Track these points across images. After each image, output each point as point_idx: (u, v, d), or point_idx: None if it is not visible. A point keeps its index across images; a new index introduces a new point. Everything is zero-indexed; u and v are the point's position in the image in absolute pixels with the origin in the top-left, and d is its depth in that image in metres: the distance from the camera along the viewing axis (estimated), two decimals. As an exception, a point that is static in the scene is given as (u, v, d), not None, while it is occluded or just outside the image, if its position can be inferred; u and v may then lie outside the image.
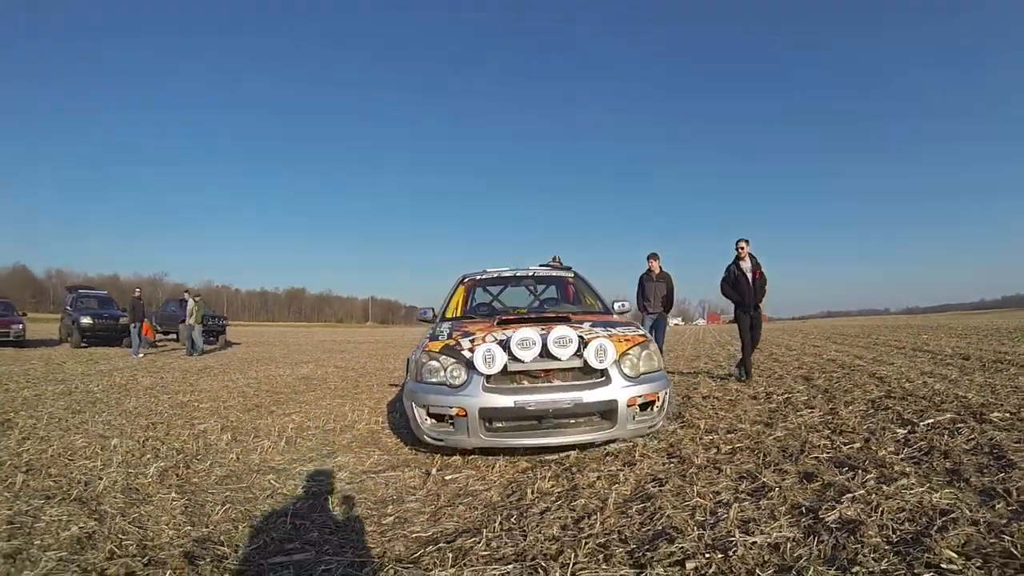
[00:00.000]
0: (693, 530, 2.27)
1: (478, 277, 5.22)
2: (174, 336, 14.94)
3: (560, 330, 3.38)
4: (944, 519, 2.10)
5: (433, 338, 3.75)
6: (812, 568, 1.85)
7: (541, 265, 5.67)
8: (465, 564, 2.15)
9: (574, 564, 2.05)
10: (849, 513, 2.27)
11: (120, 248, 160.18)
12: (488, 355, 3.28)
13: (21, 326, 13.04)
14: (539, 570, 2.05)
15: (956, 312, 32.98)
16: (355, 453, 3.99)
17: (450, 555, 2.24)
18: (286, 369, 10.75)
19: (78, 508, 2.69)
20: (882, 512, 2.24)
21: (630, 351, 3.53)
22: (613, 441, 3.68)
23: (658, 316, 7.43)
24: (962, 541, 1.93)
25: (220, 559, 2.26)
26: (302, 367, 11.26)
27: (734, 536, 2.15)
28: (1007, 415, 3.48)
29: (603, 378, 3.36)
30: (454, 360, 3.42)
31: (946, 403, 4.04)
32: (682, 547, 2.11)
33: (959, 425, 3.40)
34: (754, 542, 2.09)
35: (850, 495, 2.46)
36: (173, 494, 2.96)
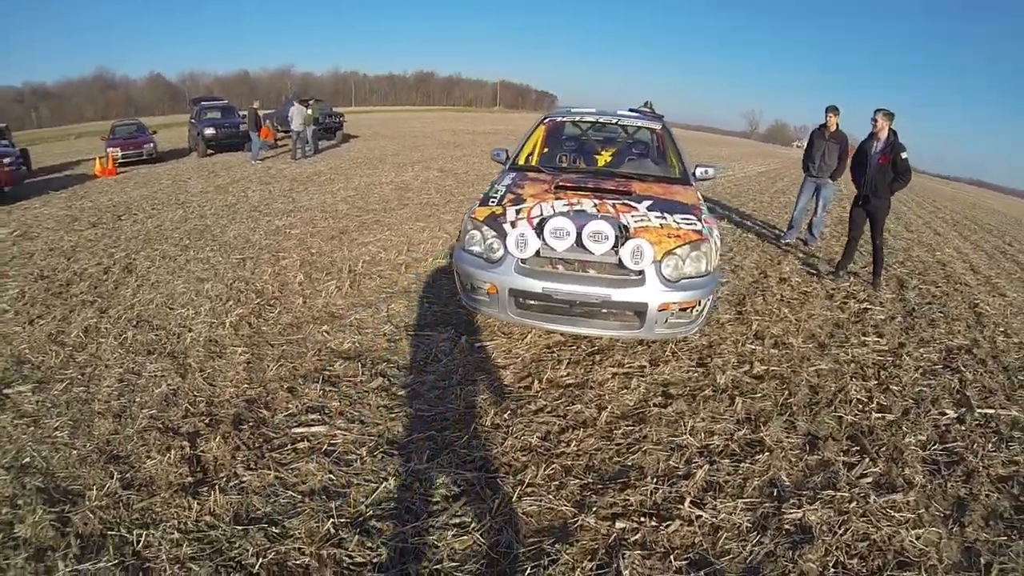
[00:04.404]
0: (651, 482, 2.28)
1: (559, 119, 5.13)
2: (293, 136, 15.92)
3: (596, 224, 3.15)
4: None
5: (484, 202, 3.68)
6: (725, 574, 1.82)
7: (631, 110, 5.36)
8: (440, 463, 2.39)
9: (526, 484, 2.17)
10: (811, 519, 2.13)
11: (247, 43, 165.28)
12: (521, 240, 3.24)
13: (152, 145, 14.52)
14: (497, 481, 2.22)
15: None
16: (408, 301, 4.30)
17: (429, 449, 2.49)
18: (390, 174, 11.25)
19: (170, 364, 3.33)
20: (842, 534, 2.07)
21: (677, 250, 3.18)
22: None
23: (820, 181, 6.48)
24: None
25: (259, 424, 2.74)
26: (405, 171, 11.71)
27: (682, 506, 2.13)
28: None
29: (638, 277, 3.10)
30: (494, 234, 3.40)
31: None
32: (627, 500, 2.13)
33: (1014, 432, 2.87)
34: (698, 516, 2.04)
35: (828, 493, 2.29)
36: (241, 347, 3.51)
